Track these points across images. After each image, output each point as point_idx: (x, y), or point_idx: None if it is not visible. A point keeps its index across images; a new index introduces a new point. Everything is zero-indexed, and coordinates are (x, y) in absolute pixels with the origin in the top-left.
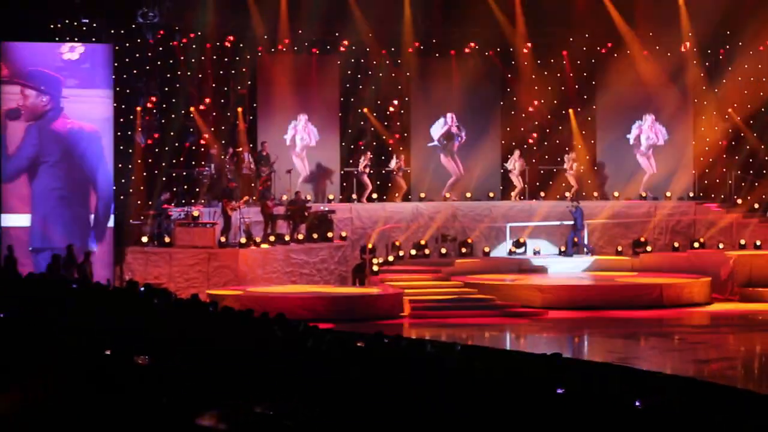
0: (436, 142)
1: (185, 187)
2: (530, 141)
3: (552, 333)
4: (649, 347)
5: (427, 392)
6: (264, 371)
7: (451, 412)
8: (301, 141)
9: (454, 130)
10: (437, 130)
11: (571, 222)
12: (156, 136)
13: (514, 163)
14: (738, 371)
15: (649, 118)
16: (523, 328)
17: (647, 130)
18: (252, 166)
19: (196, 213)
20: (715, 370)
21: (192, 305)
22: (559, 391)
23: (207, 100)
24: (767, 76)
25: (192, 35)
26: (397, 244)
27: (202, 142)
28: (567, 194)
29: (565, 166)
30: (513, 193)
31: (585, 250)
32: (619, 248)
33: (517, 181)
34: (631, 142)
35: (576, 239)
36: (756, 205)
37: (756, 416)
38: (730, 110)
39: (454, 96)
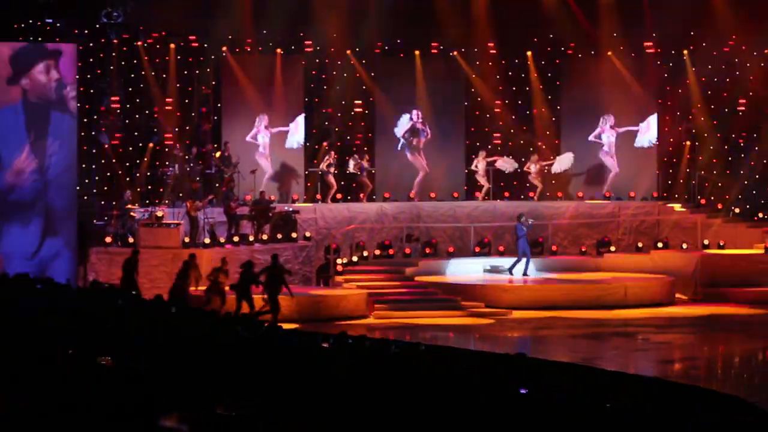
0: (401, 139)
1: (149, 187)
2: (495, 141)
3: (516, 333)
4: (613, 347)
5: (392, 392)
6: (227, 372)
7: (416, 412)
8: (265, 141)
9: (420, 125)
10: (402, 126)
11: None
12: (119, 136)
13: (479, 164)
14: (701, 371)
15: (611, 119)
16: (487, 328)
17: (609, 131)
18: (215, 166)
19: (160, 213)
20: (678, 370)
21: (156, 306)
22: (523, 391)
23: (171, 100)
24: (731, 77)
25: (156, 35)
26: (361, 244)
27: (166, 142)
28: (532, 195)
29: (531, 167)
30: (479, 194)
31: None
32: (584, 248)
33: (482, 182)
34: (603, 142)
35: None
36: (719, 206)
37: (718, 415)
38: (693, 111)
39: (419, 96)
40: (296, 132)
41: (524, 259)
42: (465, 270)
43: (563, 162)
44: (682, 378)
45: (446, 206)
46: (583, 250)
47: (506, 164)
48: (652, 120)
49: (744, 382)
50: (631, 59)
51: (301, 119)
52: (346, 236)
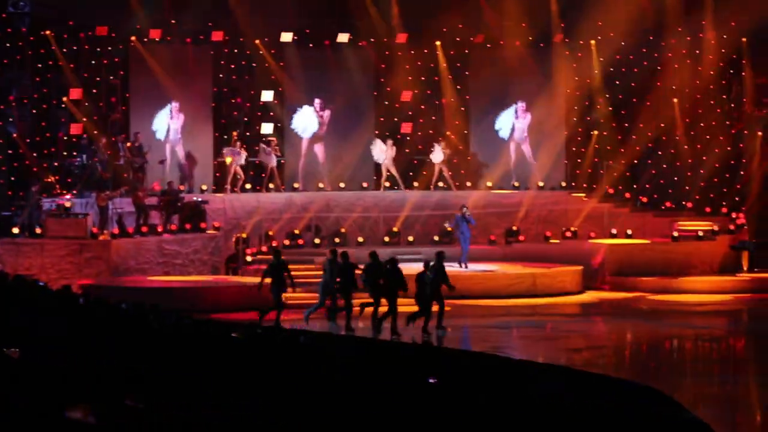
0: (305, 131)
1: (57, 177)
2: (402, 131)
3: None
4: (522, 336)
5: (302, 382)
6: (137, 363)
7: (326, 401)
8: (174, 131)
9: (321, 114)
10: (306, 117)
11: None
12: (28, 126)
13: (387, 153)
14: (609, 359)
15: (520, 108)
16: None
17: (519, 120)
18: (125, 156)
19: (68, 204)
20: (586, 358)
21: (63, 296)
22: (431, 380)
23: (79, 90)
24: (638, 66)
25: (64, 25)
26: (271, 234)
27: (75, 132)
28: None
29: (437, 156)
30: (382, 181)
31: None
32: (492, 237)
33: (389, 171)
34: (504, 131)
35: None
36: (627, 195)
37: (626, 402)
38: (600, 100)
39: (328, 86)
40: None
41: (466, 250)
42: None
43: (377, 150)
44: (590, 366)
45: (355, 195)
46: (491, 239)
47: (438, 153)
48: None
49: (651, 370)
50: (539, 50)
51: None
52: (255, 226)
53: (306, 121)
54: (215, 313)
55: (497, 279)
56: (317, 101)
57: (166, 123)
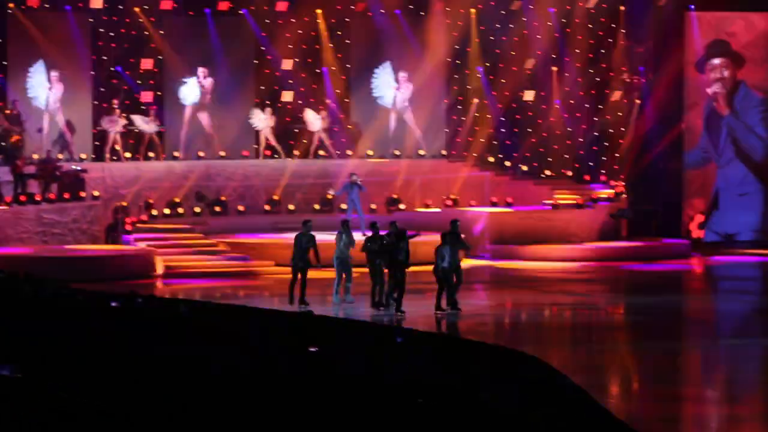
0: (186, 98)
1: None
2: (283, 99)
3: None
4: (403, 304)
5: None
6: (12, 332)
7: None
8: (53, 100)
9: (202, 83)
10: (191, 88)
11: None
12: None
13: (266, 121)
14: (488, 327)
15: (402, 78)
16: (277, 287)
17: (401, 90)
18: (2, 124)
19: None
20: (467, 326)
21: None
22: (312, 349)
23: None
24: (518, 36)
25: None
26: (151, 202)
27: None
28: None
29: (315, 124)
30: (262, 149)
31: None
32: (373, 206)
33: (269, 140)
34: (387, 99)
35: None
36: (507, 164)
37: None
38: (480, 69)
39: (209, 55)
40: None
41: (362, 217)
42: (254, 228)
43: (256, 119)
44: (470, 334)
45: (235, 164)
46: (373, 207)
47: (314, 120)
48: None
49: (530, 338)
50: (419, 17)
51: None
52: (135, 195)
53: (188, 89)
54: (94, 283)
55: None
56: (200, 70)
57: (45, 91)
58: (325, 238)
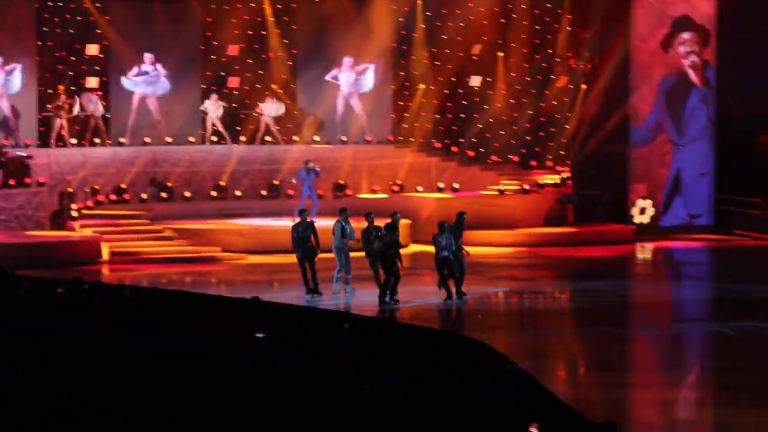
0: (136, 84)
1: None
2: (230, 85)
3: (252, 277)
4: (349, 290)
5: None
6: None
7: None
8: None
9: (150, 69)
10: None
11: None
12: None
13: (212, 106)
14: (435, 312)
15: (347, 63)
16: (223, 272)
17: (347, 75)
18: None
19: None
20: (412, 311)
21: None
22: (260, 335)
23: None
24: (465, 21)
25: None
26: (97, 188)
27: None
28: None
29: (265, 111)
30: (208, 135)
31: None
32: (320, 192)
33: (216, 126)
34: (341, 84)
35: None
36: (454, 149)
37: (450, 357)
38: (426, 54)
39: (155, 40)
40: None
41: (316, 204)
42: (201, 214)
43: (270, 108)
44: (416, 319)
45: (181, 150)
46: (319, 194)
47: (271, 108)
48: (371, 67)
49: (477, 323)
50: (365, 3)
51: None
52: (81, 181)
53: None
54: (40, 269)
55: (326, 233)
56: (147, 56)
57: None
58: (271, 223)
